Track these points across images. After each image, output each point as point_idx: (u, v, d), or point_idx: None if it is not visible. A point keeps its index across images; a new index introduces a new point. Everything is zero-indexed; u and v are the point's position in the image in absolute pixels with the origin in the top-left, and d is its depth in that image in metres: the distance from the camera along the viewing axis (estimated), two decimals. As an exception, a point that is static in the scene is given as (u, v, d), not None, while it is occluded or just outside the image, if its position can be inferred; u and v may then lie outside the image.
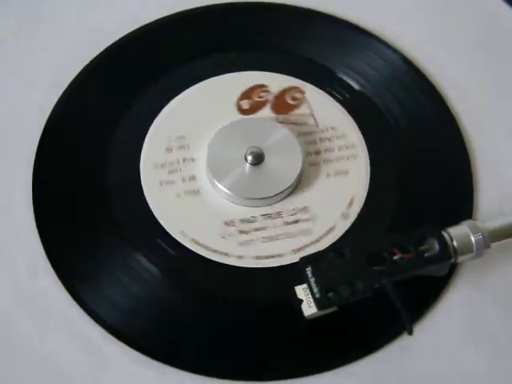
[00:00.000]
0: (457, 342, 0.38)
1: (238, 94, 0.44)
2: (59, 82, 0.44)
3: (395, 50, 0.46)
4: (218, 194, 0.41)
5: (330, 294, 0.35)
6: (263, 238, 0.40)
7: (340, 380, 0.37)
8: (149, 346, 0.37)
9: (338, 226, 0.40)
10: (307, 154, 0.42)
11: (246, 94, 0.44)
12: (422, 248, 0.36)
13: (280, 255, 0.39)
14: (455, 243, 0.36)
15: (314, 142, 0.43)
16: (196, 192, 0.41)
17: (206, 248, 0.39)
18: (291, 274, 0.37)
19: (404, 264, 0.36)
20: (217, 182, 0.40)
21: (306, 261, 0.36)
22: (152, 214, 0.40)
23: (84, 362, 0.37)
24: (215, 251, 0.39)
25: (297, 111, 0.43)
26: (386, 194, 0.41)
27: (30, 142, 0.42)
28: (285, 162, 0.41)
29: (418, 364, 0.37)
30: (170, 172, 0.41)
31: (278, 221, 0.40)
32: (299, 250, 0.39)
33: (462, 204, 0.42)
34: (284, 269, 0.39)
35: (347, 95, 0.44)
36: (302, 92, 0.44)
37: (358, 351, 0.38)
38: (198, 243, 0.39)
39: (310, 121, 0.43)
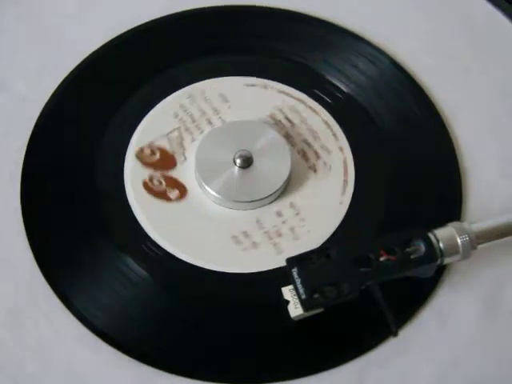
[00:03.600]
0: (445, 343, 0.38)
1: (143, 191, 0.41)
2: (50, 84, 0.44)
3: (383, 53, 0.46)
4: (207, 197, 0.41)
5: (316, 296, 0.35)
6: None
7: (329, 383, 0.37)
8: (138, 349, 0.37)
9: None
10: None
11: (150, 190, 0.41)
12: (408, 250, 0.36)
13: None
14: (441, 245, 0.37)
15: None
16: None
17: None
18: (278, 277, 0.37)
19: (390, 265, 0.36)
20: (206, 185, 0.40)
21: (292, 262, 0.36)
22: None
23: (74, 364, 0.37)
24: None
25: (168, 149, 0.42)
26: (374, 196, 0.41)
27: (20, 143, 0.42)
28: (274, 165, 0.41)
29: (407, 366, 0.37)
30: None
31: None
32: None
33: (449, 206, 0.42)
34: (271, 273, 0.39)
35: (335, 98, 0.44)
36: (151, 146, 0.42)
37: (347, 353, 0.38)
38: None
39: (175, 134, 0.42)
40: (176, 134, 0.43)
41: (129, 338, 0.38)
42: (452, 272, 0.40)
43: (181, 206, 0.41)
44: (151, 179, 0.41)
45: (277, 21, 0.47)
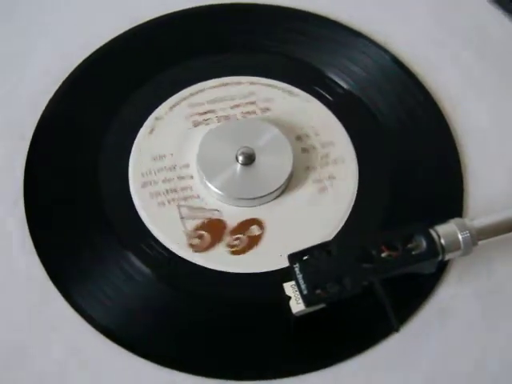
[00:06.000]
0: (446, 338, 0.38)
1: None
2: (49, 85, 0.44)
3: (384, 50, 0.46)
4: (209, 194, 0.41)
5: (318, 291, 0.35)
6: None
7: (331, 379, 0.37)
8: (140, 346, 0.37)
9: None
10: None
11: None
12: (409, 246, 0.36)
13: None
14: (443, 241, 0.37)
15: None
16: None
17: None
18: (280, 276, 0.37)
19: (392, 261, 0.36)
20: (208, 182, 0.41)
21: (294, 258, 0.36)
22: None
23: (76, 361, 0.37)
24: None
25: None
26: (375, 192, 0.41)
27: (22, 144, 0.42)
28: (276, 163, 0.41)
29: (408, 361, 0.38)
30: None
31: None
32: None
33: (451, 202, 0.42)
34: (274, 271, 0.39)
35: (336, 95, 0.44)
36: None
37: (348, 350, 0.38)
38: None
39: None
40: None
41: (131, 335, 0.38)
42: (453, 268, 0.40)
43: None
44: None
45: (277, 18, 0.47)
